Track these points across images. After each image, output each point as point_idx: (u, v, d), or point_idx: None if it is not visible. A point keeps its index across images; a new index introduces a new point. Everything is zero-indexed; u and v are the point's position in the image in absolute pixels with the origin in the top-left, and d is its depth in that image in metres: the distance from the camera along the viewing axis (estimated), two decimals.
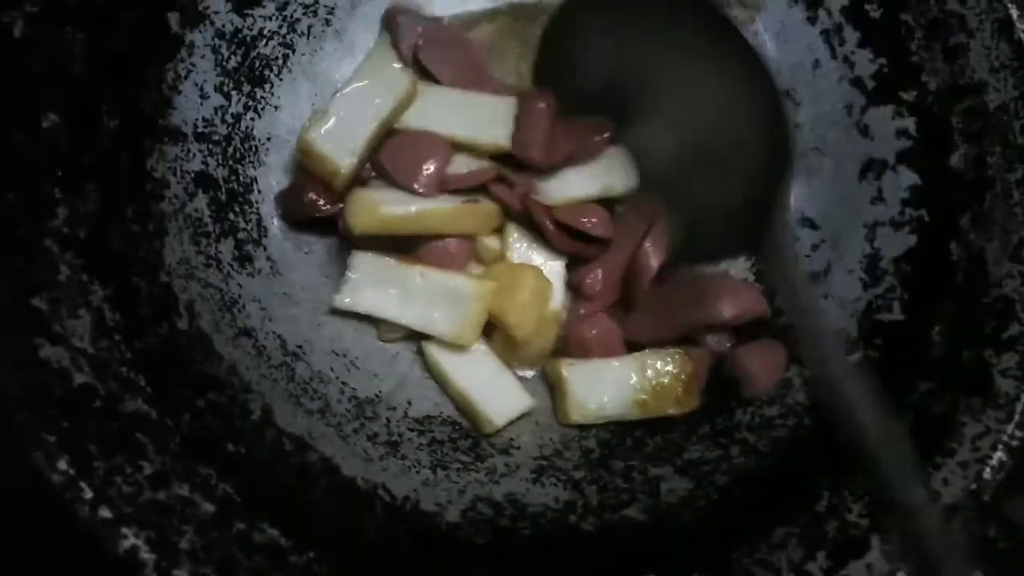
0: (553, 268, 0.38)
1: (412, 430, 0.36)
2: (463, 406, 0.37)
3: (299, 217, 0.38)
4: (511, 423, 0.36)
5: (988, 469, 0.30)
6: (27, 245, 0.30)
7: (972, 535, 0.29)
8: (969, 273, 0.35)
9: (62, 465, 0.27)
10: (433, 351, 0.37)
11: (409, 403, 0.37)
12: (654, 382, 0.36)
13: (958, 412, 0.32)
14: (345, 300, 0.36)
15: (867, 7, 0.39)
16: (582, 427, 0.37)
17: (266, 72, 0.39)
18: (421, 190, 0.36)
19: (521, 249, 0.38)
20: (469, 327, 0.35)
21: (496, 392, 0.36)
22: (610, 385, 0.36)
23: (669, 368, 0.36)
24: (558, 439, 0.37)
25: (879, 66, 0.38)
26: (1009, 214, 0.34)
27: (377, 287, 0.36)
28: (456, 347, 0.36)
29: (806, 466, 0.33)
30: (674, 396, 0.36)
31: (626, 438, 0.37)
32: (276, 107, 0.39)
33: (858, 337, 0.36)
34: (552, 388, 0.37)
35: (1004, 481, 0.30)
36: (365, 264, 0.36)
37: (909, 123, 0.38)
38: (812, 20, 0.40)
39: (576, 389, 0.36)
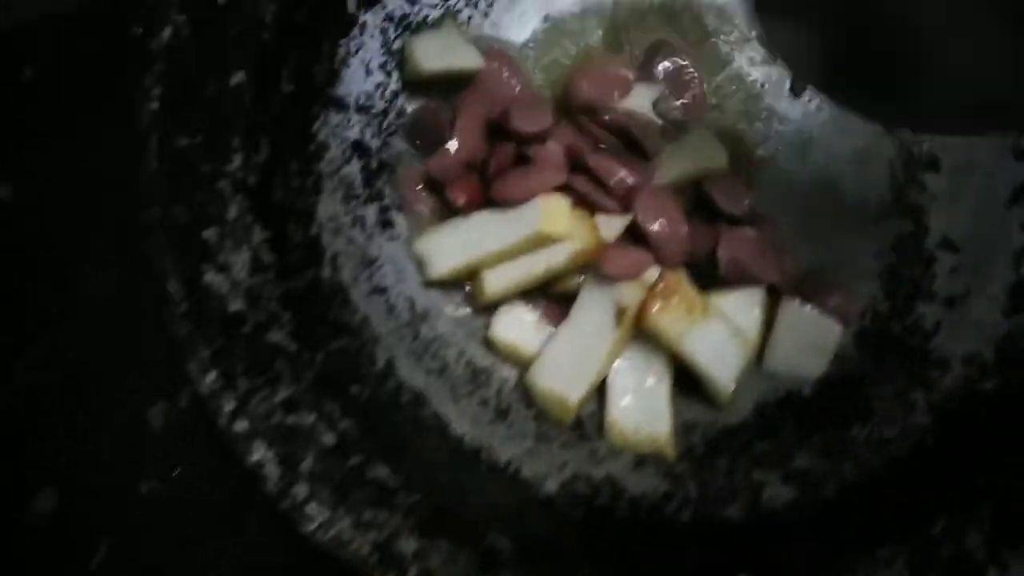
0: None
1: (520, 401, 0.37)
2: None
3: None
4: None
5: None
6: (206, 183, 0.33)
7: None
8: None
9: (211, 377, 0.30)
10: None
11: (520, 375, 0.38)
12: None
13: None
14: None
15: None
16: (687, 425, 0.37)
17: None
18: None
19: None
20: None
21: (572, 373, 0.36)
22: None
23: None
24: None
25: None
26: None
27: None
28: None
29: (924, 488, 0.32)
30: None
31: (731, 440, 0.36)
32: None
33: (995, 363, 0.34)
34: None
35: None
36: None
37: None
38: None
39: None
